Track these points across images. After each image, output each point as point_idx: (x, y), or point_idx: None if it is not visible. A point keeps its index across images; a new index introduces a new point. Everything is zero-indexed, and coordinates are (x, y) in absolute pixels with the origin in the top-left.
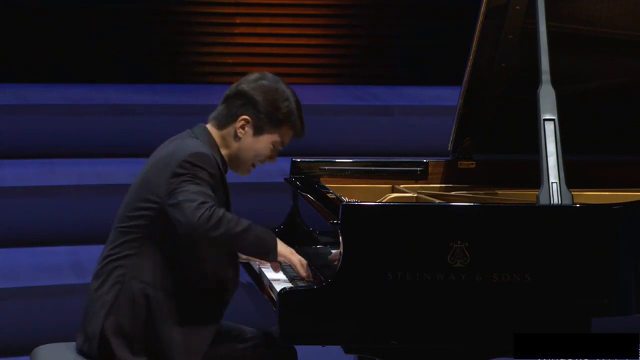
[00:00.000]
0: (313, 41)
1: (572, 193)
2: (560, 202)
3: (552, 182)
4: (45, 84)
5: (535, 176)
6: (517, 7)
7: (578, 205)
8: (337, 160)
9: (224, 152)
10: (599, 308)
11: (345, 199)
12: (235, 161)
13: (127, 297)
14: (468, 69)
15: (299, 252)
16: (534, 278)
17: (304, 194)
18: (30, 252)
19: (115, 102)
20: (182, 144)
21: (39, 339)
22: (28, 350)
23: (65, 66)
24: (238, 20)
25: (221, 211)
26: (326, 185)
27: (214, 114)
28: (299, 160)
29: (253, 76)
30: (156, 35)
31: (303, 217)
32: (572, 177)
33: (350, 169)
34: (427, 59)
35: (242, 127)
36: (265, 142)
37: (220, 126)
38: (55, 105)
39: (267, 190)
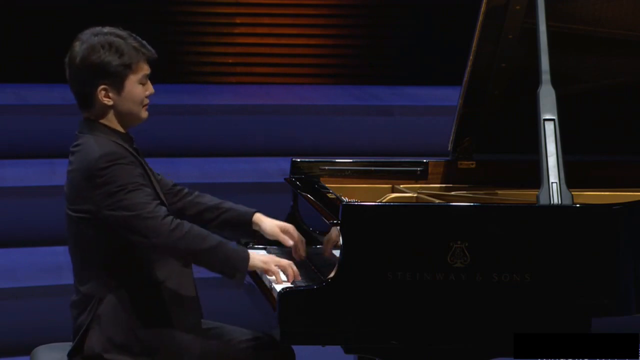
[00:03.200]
0: (313, 41)
1: (572, 193)
2: (560, 202)
3: (552, 182)
4: (45, 84)
5: (535, 176)
6: (517, 7)
7: (578, 205)
8: (337, 160)
9: (113, 124)
10: (599, 308)
11: (345, 199)
12: (127, 117)
13: (104, 315)
14: (468, 69)
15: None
16: (534, 278)
17: (304, 194)
18: (30, 252)
19: None
20: (83, 155)
21: (39, 339)
22: (28, 350)
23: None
24: (238, 20)
25: (187, 226)
26: (326, 185)
27: (79, 105)
28: (299, 160)
29: (75, 49)
30: (156, 35)
31: (303, 217)
32: (572, 177)
33: (350, 169)
34: (427, 59)
35: (106, 95)
36: (133, 88)
37: (90, 109)
38: (55, 105)
39: (267, 190)
